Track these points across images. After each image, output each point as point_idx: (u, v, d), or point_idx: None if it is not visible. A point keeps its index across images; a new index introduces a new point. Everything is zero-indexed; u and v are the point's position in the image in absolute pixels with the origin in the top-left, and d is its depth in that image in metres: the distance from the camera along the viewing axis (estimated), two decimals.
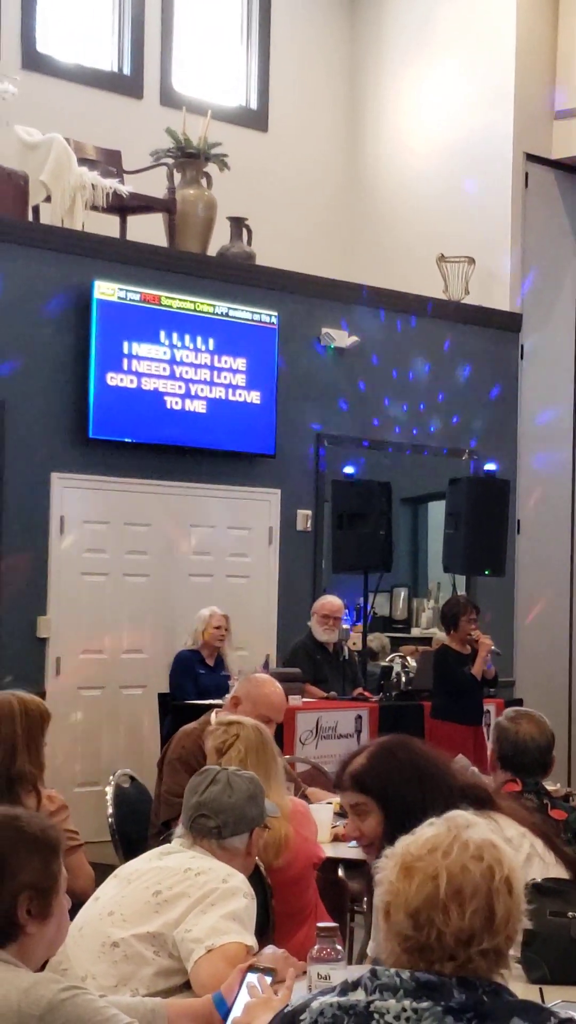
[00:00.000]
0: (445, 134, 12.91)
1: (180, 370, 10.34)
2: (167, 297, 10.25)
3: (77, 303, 9.85)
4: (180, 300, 10.34)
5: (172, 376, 10.29)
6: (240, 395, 10.69)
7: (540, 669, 12.58)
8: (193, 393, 10.42)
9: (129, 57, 12.07)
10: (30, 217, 9.97)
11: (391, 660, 11.51)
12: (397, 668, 11.04)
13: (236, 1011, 3.15)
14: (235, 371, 10.67)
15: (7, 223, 9.62)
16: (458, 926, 2.28)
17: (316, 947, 3.33)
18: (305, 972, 3.41)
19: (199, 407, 10.45)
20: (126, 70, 12.07)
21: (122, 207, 10.44)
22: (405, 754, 3.84)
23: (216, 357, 10.55)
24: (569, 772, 11.59)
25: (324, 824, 5.85)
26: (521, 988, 3.39)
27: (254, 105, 12.97)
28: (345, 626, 10.51)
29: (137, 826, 6.18)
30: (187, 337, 10.39)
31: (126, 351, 10.03)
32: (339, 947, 3.34)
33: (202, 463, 10.57)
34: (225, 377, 10.61)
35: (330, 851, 5.69)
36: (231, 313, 10.66)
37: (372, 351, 11.75)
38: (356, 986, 2.32)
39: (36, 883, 2.88)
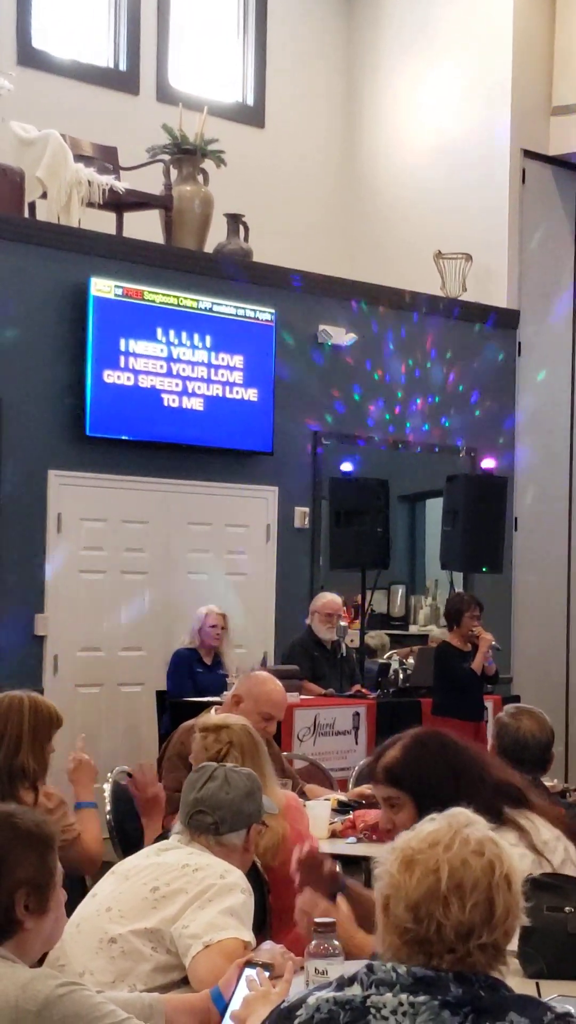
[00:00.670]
0: (442, 130, 12.90)
1: (177, 367, 10.33)
2: (162, 294, 10.24)
3: (73, 300, 9.84)
4: (177, 297, 10.34)
5: (169, 374, 10.29)
6: (237, 392, 10.69)
7: (537, 666, 12.58)
8: (190, 391, 10.41)
9: (125, 53, 12.05)
10: (26, 213, 9.95)
11: (389, 657, 11.52)
12: (395, 665, 11.04)
13: (234, 1006, 3.14)
14: (232, 368, 10.66)
15: (3, 219, 9.60)
16: (458, 919, 2.28)
17: (313, 943, 3.32)
18: (302, 968, 3.41)
19: (196, 405, 10.44)
20: (122, 66, 12.06)
21: (118, 203, 10.43)
22: (439, 747, 3.82)
23: (213, 354, 10.55)
24: (567, 768, 11.59)
25: (322, 820, 5.85)
26: (518, 983, 3.38)
27: (251, 101, 12.96)
28: (343, 623, 10.51)
29: (135, 823, 6.16)
30: (184, 334, 10.38)
31: (123, 348, 10.02)
32: (336, 943, 3.33)
33: (199, 461, 10.56)
34: (222, 375, 10.61)
35: (328, 847, 5.68)
36: (228, 310, 10.65)
37: (369, 348, 11.75)
38: (352, 981, 2.32)
39: (33, 879, 2.88)
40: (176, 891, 3.62)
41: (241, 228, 11.15)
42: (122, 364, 10.02)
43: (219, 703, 6.77)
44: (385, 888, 2.34)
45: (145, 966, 3.55)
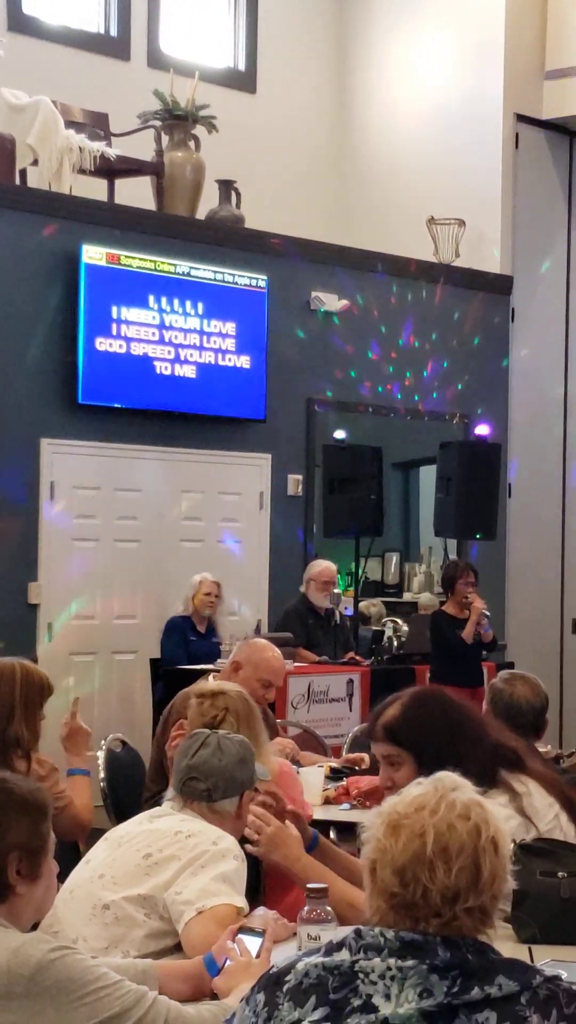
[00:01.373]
0: (435, 95, 12.85)
1: (169, 335, 10.31)
2: (154, 261, 10.21)
3: (65, 267, 9.81)
4: (169, 264, 10.30)
5: (161, 341, 10.26)
6: (230, 360, 10.67)
7: (531, 632, 12.60)
8: (183, 358, 10.39)
9: (116, 19, 11.99)
10: (17, 180, 9.91)
11: (383, 624, 11.53)
12: (389, 632, 11.05)
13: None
14: (225, 335, 10.64)
15: None
16: (444, 883, 2.28)
17: (306, 908, 3.33)
18: (295, 933, 3.41)
19: (189, 372, 10.42)
20: (113, 32, 12.00)
21: (110, 170, 10.39)
22: (438, 705, 3.85)
23: (205, 321, 10.52)
24: (560, 734, 11.61)
25: (315, 787, 5.86)
26: (511, 948, 3.39)
27: (242, 66, 12.91)
28: (337, 591, 10.52)
29: (128, 790, 6.20)
30: (176, 301, 10.35)
31: (115, 316, 10.00)
32: (329, 908, 3.33)
33: (192, 428, 10.55)
34: (215, 342, 10.58)
35: (321, 814, 5.70)
36: (220, 277, 10.62)
37: (362, 314, 11.72)
38: (341, 946, 2.32)
39: (25, 844, 2.88)
40: (169, 857, 3.63)
41: (233, 194, 11.11)
42: (114, 332, 9.99)
43: (215, 671, 6.77)
44: (372, 852, 2.35)
45: (138, 932, 3.56)
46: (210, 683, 5.33)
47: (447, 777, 2.41)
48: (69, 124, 10.11)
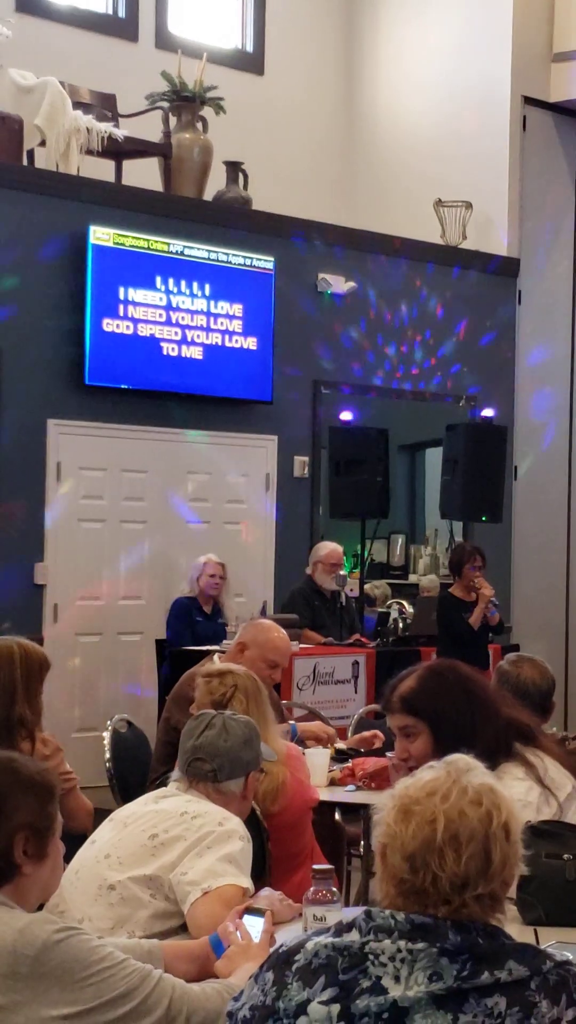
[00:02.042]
0: (442, 77, 12.81)
1: (176, 316, 10.30)
2: (161, 242, 10.20)
3: (72, 248, 9.80)
4: (176, 245, 10.29)
5: (168, 322, 10.25)
6: (237, 341, 10.66)
7: (537, 614, 12.60)
8: (189, 339, 10.38)
9: (124, 0, 11.95)
10: (25, 161, 9.90)
11: (388, 606, 11.54)
12: (394, 614, 11.06)
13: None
14: (231, 317, 10.63)
15: (1, 167, 9.56)
16: (453, 871, 2.28)
17: (312, 889, 3.34)
18: (301, 914, 3.43)
19: (195, 353, 10.42)
20: (121, 13, 11.97)
21: (117, 151, 10.37)
22: (454, 677, 3.90)
23: (212, 303, 10.51)
24: (565, 716, 11.62)
25: (321, 768, 5.87)
26: (516, 929, 3.40)
27: (250, 48, 12.87)
28: (343, 573, 10.53)
29: (135, 771, 6.21)
30: (183, 283, 10.34)
31: (122, 297, 9.99)
32: (335, 889, 3.35)
33: (199, 410, 10.54)
34: (221, 323, 10.58)
35: (327, 795, 5.71)
36: (227, 259, 10.61)
37: (369, 296, 11.71)
38: (351, 927, 2.32)
39: (33, 823, 2.89)
40: (175, 838, 3.63)
41: (240, 176, 11.09)
42: (121, 313, 9.99)
43: (221, 651, 6.77)
44: (383, 837, 2.35)
45: (144, 913, 3.57)
46: (216, 664, 5.35)
47: (460, 760, 2.41)
48: (77, 105, 10.09)
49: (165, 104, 10.71)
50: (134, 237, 10.04)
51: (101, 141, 10.05)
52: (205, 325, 10.47)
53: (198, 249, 10.43)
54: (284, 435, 11.16)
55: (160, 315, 10.20)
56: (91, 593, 10.06)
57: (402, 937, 2.27)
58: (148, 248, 10.13)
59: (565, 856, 3.65)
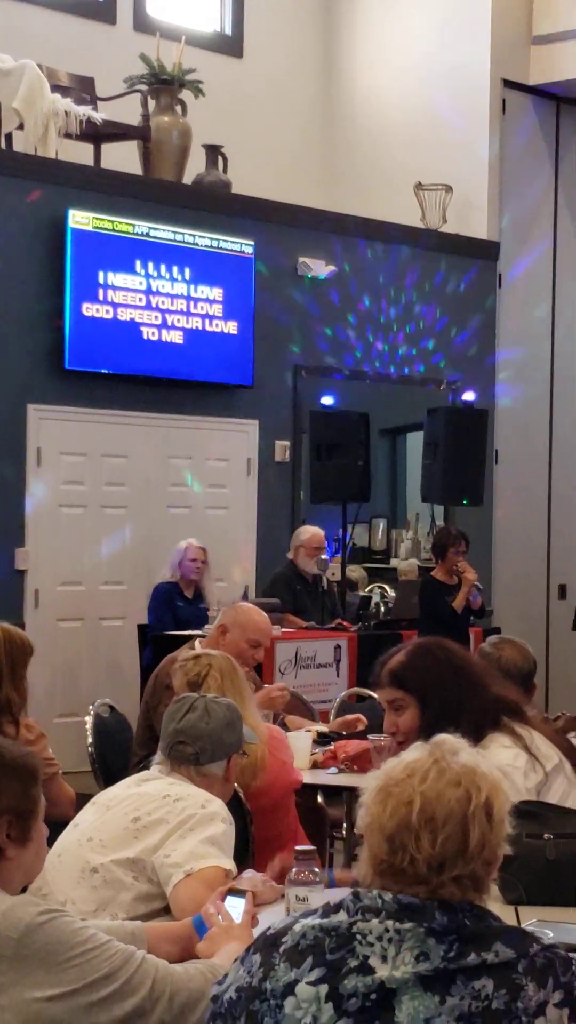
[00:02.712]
0: (422, 60, 12.79)
1: (156, 300, 10.29)
2: (141, 226, 10.17)
3: (51, 232, 9.77)
4: (155, 229, 10.27)
5: (148, 306, 10.24)
6: (217, 325, 10.65)
7: (517, 598, 12.62)
8: (170, 323, 10.37)
9: None
10: (3, 145, 9.87)
11: (370, 590, 11.55)
12: (376, 598, 11.07)
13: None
14: (212, 301, 10.61)
15: None
16: (428, 852, 2.29)
17: (294, 870, 3.35)
18: (283, 895, 3.43)
19: (176, 338, 10.40)
20: None
21: (96, 135, 10.34)
22: (442, 652, 4.00)
23: (192, 287, 10.49)
24: (547, 698, 11.65)
25: (303, 751, 5.88)
26: (497, 908, 3.39)
27: (229, 31, 12.83)
28: (324, 557, 10.53)
29: (116, 755, 6.21)
30: (163, 267, 10.32)
31: (101, 281, 9.97)
32: (317, 870, 3.35)
33: (179, 394, 10.53)
34: (202, 307, 10.56)
35: (309, 778, 5.72)
36: (207, 242, 10.59)
37: (349, 280, 11.70)
38: (338, 908, 2.33)
39: (16, 807, 2.89)
40: (157, 821, 3.64)
41: (220, 159, 11.07)
42: (101, 297, 9.97)
43: (201, 636, 6.77)
44: (364, 817, 2.36)
45: (127, 895, 3.57)
46: (195, 649, 5.35)
47: (447, 741, 2.42)
48: (55, 88, 10.06)
49: (144, 87, 10.68)
50: (113, 221, 10.01)
51: (80, 124, 10.02)
52: (185, 309, 10.45)
53: (178, 233, 10.41)
54: (265, 420, 11.16)
55: (140, 299, 10.18)
56: (72, 578, 10.05)
57: (389, 917, 2.27)
58: (127, 232, 10.11)
59: (545, 835, 3.67)
